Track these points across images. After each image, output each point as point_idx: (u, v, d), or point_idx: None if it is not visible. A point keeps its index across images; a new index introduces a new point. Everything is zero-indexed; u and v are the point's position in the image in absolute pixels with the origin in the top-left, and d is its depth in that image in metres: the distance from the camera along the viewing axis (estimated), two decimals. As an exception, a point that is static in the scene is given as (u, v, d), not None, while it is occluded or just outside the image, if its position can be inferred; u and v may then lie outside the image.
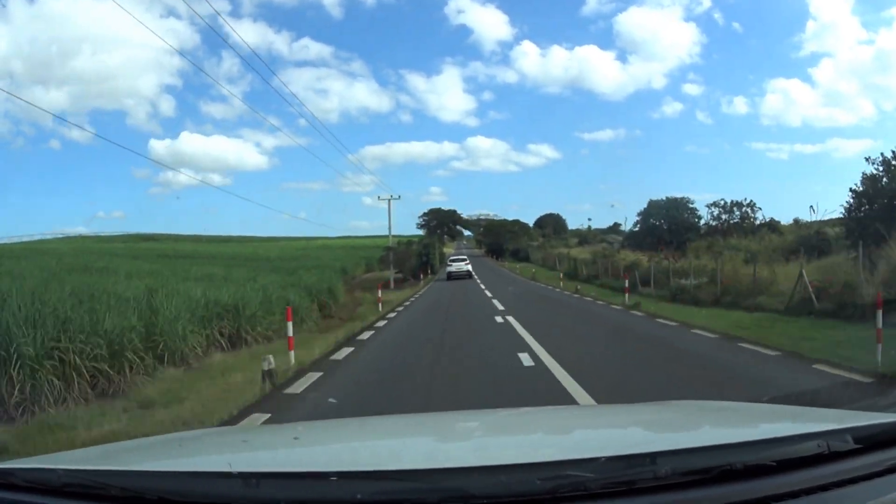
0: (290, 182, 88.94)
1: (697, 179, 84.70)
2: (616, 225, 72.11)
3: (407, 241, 50.01)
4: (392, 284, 34.68)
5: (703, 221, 45.98)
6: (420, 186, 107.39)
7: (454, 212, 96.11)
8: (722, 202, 45.37)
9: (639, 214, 48.72)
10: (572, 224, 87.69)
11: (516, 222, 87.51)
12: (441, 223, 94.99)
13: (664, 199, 47.26)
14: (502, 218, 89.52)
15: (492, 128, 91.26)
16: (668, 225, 45.32)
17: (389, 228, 42.45)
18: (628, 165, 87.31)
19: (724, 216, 45.09)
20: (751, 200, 44.42)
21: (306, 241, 63.26)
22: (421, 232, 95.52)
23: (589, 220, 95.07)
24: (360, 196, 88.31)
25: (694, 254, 27.68)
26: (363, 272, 42.60)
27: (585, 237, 69.37)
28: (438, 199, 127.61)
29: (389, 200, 42.48)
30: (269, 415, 6.06)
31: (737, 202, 44.70)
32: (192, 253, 37.85)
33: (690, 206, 46.68)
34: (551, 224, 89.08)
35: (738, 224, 42.85)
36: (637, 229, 49.41)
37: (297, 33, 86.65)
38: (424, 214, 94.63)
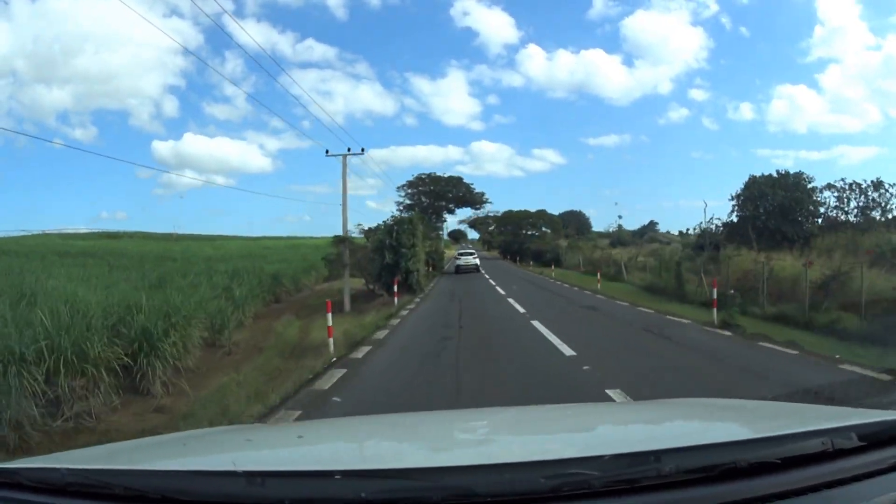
0: (294, 185, 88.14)
1: (703, 185, 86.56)
2: (652, 223, 66.51)
3: (372, 229, 28.78)
4: (347, 304, 22.12)
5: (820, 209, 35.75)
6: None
7: (460, 180, 71.20)
8: (840, 183, 35.58)
9: (734, 198, 36.73)
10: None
11: (542, 213, 73.37)
12: (438, 199, 70.64)
13: (774, 173, 35.80)
14: (522, 209, 75.03)
15: (497, 132, 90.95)
16: (780, 212, 33.82)
17: (343, 205, 24.99)
18: (634, 171, 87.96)
19: (853, 202, 35.26)
20: (879, 180, 34.72)
21: (273, 240, 59.12)
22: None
23: (619, 217, 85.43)
24: (364, 199, 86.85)
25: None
26: (322, 280, 30.41)
27: (619, 238, 60.54)
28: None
29: (344, 158, 25.11)
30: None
31: (876, 181, 34.84)
32: (119, 251, 33.43)
33: (809, 185, 35.35)
34: (573, 223, 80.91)
35: (867, 212, 34.34)
36: (735, 219, 36.25)
37: (302, 34, 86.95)
38: (409, 184, 68.83)
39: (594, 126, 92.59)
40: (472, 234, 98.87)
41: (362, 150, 27.01)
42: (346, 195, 25.82)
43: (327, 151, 26.32)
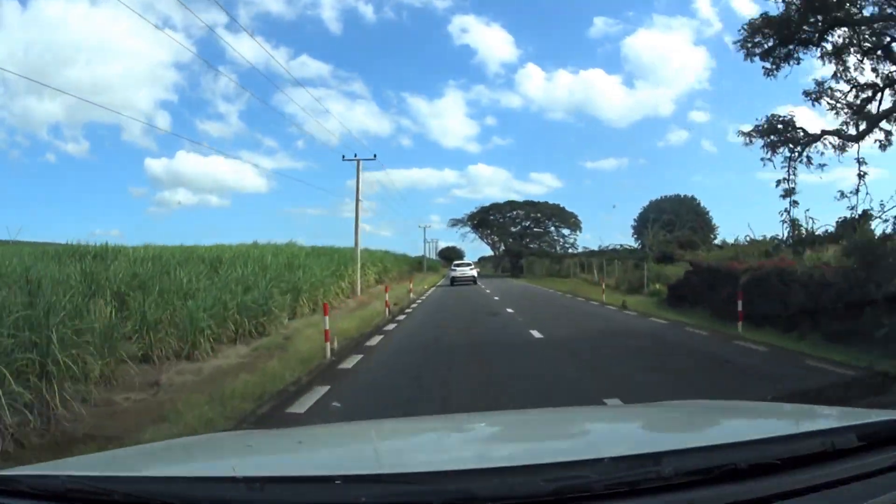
0: (289, 207, 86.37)
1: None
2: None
3: None
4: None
5: None
6: (421, 213, 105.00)
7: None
8: None
9: None
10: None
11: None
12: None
13: None
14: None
15: (494, 155, 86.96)
16: None
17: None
18: (632, 195, 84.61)
19: None
20: None
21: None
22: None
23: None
24: (360, 222, 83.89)
25: None
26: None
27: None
28: (438, 227, 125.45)
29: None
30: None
31: None
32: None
33: None
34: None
35: None
36: None
37: (296, 49, 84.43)
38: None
39: (593, 149, 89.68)
40: (476, 252, 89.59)
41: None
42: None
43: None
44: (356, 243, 28.31)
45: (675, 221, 43.15)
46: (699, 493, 1.33)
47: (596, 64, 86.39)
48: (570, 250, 59.33)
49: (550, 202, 60.82)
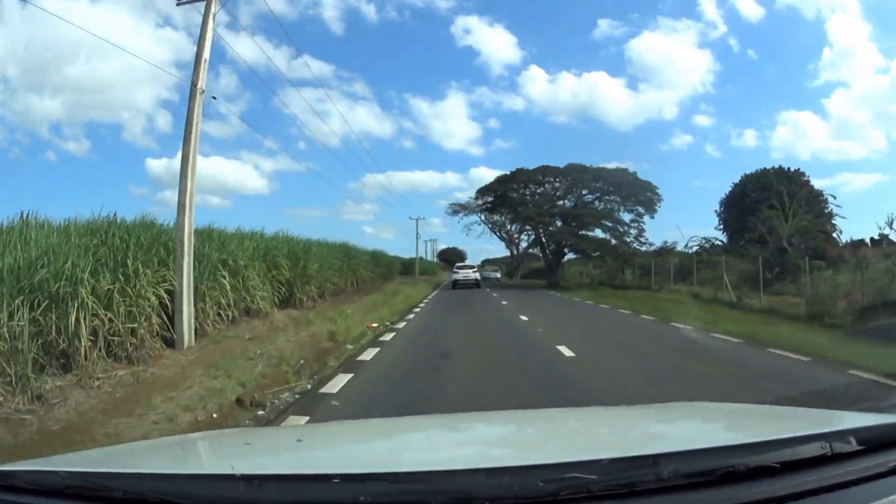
0: (290, 208, 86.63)
1: (704, 215, 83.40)
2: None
3: None
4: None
5: None
6: (422, 215, 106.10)
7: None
8: None
9: None
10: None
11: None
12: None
13: None
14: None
15: (496, 157, 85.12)
16: None
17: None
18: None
19: None
20: None
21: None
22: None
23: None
24: (361, 224, 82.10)
25: None
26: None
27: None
28: (439, 230, 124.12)
29: None
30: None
31: None
32: None
33: None
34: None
35: None
36: None
37: (298, 49, 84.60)
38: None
39: (595, 153, 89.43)
40: (481, 254, 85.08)
41: None
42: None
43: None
44: (185, 193, 10.72)
45: (796, 202, 27.81)
46: (697, 495, 1.33)
47: (600, 66, 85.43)
48: (634, 245, 38.88)
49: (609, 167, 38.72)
